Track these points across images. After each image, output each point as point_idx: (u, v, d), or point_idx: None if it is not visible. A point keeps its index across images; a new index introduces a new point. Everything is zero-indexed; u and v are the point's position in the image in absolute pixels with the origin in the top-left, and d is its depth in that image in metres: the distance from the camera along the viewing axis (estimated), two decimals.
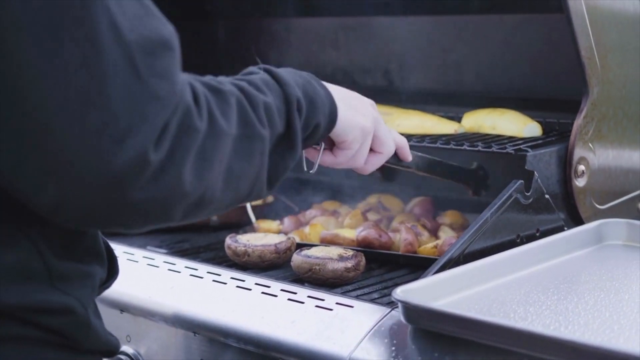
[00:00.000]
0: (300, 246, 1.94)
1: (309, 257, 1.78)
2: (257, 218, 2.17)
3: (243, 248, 1.89)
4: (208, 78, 1.27)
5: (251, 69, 1.42)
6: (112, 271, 1.51)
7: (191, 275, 1.82)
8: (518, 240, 1.81)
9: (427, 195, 2.25)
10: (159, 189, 1.15)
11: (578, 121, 1.91)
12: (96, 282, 1.36)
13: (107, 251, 1.52)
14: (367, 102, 1.57)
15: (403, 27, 2.40)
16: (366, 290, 1.76)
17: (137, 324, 1.83)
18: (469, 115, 2.08)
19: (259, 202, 2.28)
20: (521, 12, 2.21)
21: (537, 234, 1.85)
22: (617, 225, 1.91)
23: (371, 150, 1.58)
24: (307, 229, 2.03)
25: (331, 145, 1.54)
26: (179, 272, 1.85)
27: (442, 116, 2.16)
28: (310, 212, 2.15)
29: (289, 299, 1.67)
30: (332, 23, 2.53)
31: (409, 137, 2.02)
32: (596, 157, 1.95)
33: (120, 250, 1.97)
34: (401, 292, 1.51)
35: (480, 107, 2.16)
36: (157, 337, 1.80)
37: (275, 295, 1.69)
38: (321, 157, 1.54)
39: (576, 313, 1.54)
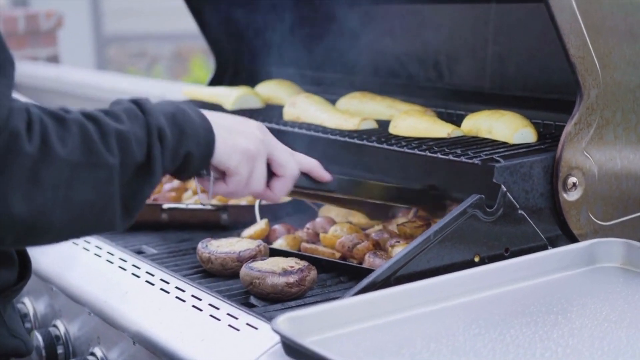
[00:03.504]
0: (275, 254, 1.88)
1: (252, 269, 1.72)
2: (268, 217, 2.11)
3: (207, 255, 1.85)
4: (53, 107, 1.28)
5: (119, 99, 1.41)
6: (24, 274, 1.55)
7: (146, 281, 1.81)
8: (477, 261, 1.65)
9: None
10: None
11: (568, 128, 1.71)
12: None
13: (21, 254, 1.55)
14: (253, 125, 1.52)
15: (448, 16, 2.24)
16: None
17: (105, 326, 1.84)
18: (470, 117, 1.91)
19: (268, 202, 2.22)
20: None
21: (506, 254, 1.67)
22: (612, 246, 1.70)
23: (274, 175, 1.53)
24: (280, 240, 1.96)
25: (222, 176, 1.50)
26: (139, 277, 1.84)
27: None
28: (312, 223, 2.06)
29: (210, 315, 1.62)
30: (389, 10, 2.41)
31: (399, 140, 1.90)
32: (596, 168, 1.73)
33: (105, 249, 1.99)
34: (283, 321, 1.42)
35: (515, 106, 1.98)
36: (118, 341, 1.80)
37: (201, 310, 1.64)
38: (215, 187, 1.50)
39: (479, 353, 1.38)
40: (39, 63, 5.27)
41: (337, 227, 1.95)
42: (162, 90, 4.37)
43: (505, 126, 1.80)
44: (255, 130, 1.50)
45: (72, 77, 4.89)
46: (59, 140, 1.23)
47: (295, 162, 1.55)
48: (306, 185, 1.59)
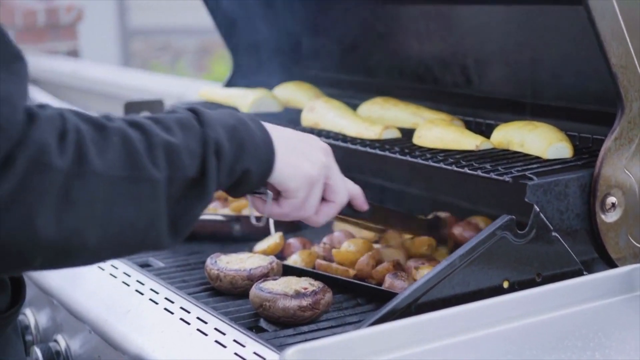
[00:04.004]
0: (289, 271, 1.76)
1: (262, 290, 1.59)
2: (283, 229, 1.99)
3: (216, 272, 1.72)
4: (94, 114, 1.17)
5: (176, 107, 1.32)
6: (18, 297, 1.44)
7: (150, 299, 1.69)
8: (506, 287, 1.51)
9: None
10: (7, 228, 1.06)
11: (607, 144, 1.57)
12: None
13: (14, 277, 1.44)
14: (318, 147, 1.41)
15: (478, 17, 2.10)
16: (317, 335, 1.54)
17: (106, 346, 1.72)
18: (500, 129, 1.78)
19: None
20: None
21: (538, 280, 1.54)
22: None
23: (323, 199, 1.44)
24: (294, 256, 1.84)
25: (276, 195, 1.40)
26: (143, 294, 1.72)
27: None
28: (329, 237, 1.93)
29: (215, 341, 1.50)
30: (413, 12, 2.27)
31: (424, 152, 1.77)
32: (637, 187, 1.60)
33: (109, 262, 1.87)
34: (292, 354, 1.29)
35: (549, 116, 1.85)
36: None
37: (206, 334, 1.52)
38: (266, 208, 1.41)
39: None
40: (58, 57, 5.18)
41: (350, 243, 1.82)
42: (182, 88, 4.26)
43: (538, 139, 1.67)
44: (320, 153, 1.40)
45: (88, 72, 4.79)
46: (98, 152, 1.11)
47: (346, 190, 1.46)
48: (344, 212, 1.51)
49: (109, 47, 8.88)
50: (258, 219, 1.46)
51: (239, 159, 1.27)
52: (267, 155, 1.32)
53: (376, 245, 1.82)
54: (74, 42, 5.37)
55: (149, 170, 1.15)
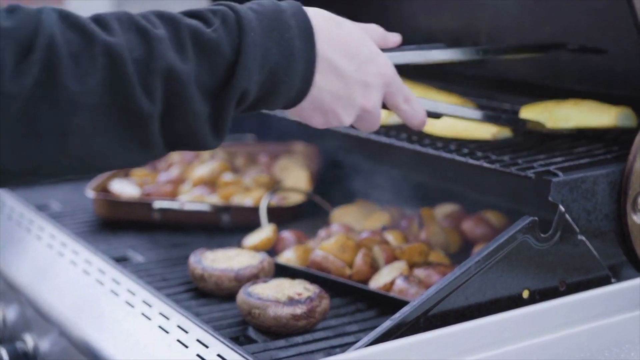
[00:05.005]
0: (282, 270, 1.59)
1: (250, 296, 1.42)
2: (276, 220, 1.81)
3: (200, 271, 1.55)
4: (85, 17, 1.01)
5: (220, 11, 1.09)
6: None
7: (126, 302, 1.51)
8: (527, 297, 1.34)
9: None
10: None
11: None
12: None
13: None
14: (373, 84, 1.20)
15: None
16: (312, 347, 1.38)
17: (76, 353, 1.55)
18: (526, 109, 1.60)
19: (278, 203, 1.92)
20: None
21: (562, 289, 1.37)
22: None
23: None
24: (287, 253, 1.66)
25: None
26: (118, 295, 1.54)
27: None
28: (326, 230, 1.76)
29: (197, 355, 1.32)
30: None
31: (433, 140, 1.59)
32: None
33: (83, 256, 1.70)
34: None
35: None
36: None
37: (187, 346, 1.35)
38: None
39: None
40: None
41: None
42: None
43: (599, 110, 1.50)
44: (373, 94, 1.21)
45: None
46: (75, 73, 0.94)
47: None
48: None
49: (100, 12, 8.64)
50: None
51: (261, 102, 1.10)
52: (296, 100, 1.14)
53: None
54: (61, 7, 5.18)
55: (139, 101, 0.97)
